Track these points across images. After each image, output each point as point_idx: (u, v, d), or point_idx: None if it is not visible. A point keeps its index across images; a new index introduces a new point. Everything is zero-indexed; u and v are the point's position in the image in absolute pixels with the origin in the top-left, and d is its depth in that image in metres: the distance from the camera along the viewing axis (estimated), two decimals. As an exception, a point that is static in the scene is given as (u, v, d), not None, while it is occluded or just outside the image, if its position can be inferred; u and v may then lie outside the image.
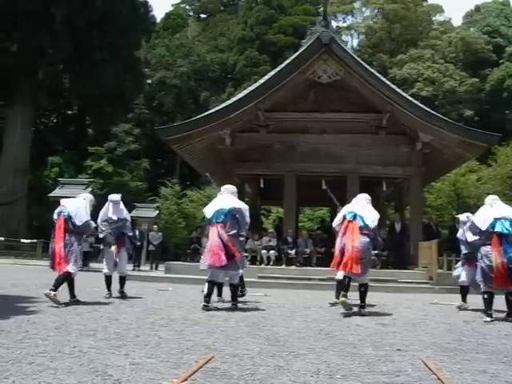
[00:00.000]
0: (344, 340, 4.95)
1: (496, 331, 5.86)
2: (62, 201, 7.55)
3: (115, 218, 8.16)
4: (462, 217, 8.22)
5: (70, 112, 40.21)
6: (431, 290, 11.52)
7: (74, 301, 7.10)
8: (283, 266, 14.38)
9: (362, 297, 7.08)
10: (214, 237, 6.86)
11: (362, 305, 7.06)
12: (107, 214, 8.17)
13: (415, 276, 12.93)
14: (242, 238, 7.16)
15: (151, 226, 20.11)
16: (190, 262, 15.53)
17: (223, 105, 16.10)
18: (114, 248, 8.08)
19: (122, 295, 8.17)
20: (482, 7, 51.03)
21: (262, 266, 14.42)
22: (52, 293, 6.75)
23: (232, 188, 7.49)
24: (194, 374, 3.38)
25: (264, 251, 14.82)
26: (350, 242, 6.81)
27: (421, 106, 15.18)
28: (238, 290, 7.45)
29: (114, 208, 8.25)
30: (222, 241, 6.80)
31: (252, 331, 5.30)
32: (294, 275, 13.02)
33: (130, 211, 22.34)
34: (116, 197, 8.33)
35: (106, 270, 8.24)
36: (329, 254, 10.87)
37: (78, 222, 7.23)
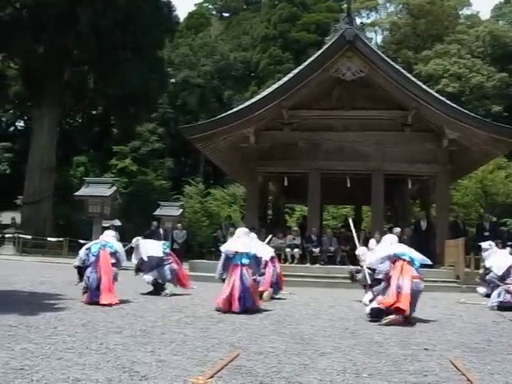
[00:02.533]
0: (370, 339, 4.91)
1: (527, 331, 5.74)
2: (104, 236, 7.92)
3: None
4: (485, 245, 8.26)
5: (94, 112, 40.80)
6: (458, 289, 11.34)
7: None
8: (307, 265, 14.32)
9: None
10: (236, 279, 6.63)
11: None
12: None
13: (441, 275, 12.74)
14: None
15: (175, 225, 20.23)
16: (215, 260, 15.57)
17: (247, 103, 16.10)
18: None
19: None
20: (512, -1, 49.86)
21: (287, 264, 14.38)
22: None
23: (248, 231, 7.70)
24: (220, 372, 3.39)
25: (288, 249, 14.78)
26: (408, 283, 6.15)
27: (447, 102, 14.94)
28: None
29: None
30: (243, 285, 6.60)
31: (277, 329, 5.29)
32: (319, 273, 12.95)
33: (154, 210, 22.64)
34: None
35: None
36: (353, 252, 10.76)
37: (122, 261, 7.76)
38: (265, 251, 7.94)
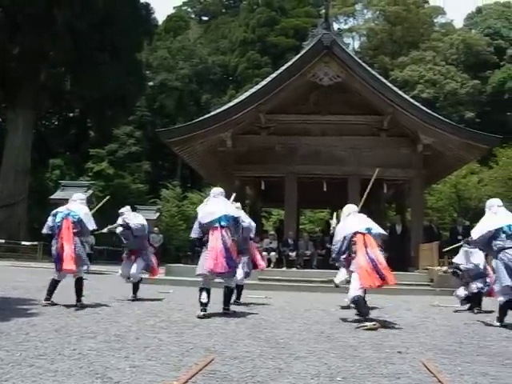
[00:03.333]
0: (344, 342, 4.94)
1: (497, 333, 5.85)
2: (68, 205, 7.57)
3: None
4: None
5: (71, 114, 40.38)
6: (432, 292, 11.50)
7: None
8: (284, 269, 14.37)
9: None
10: (217, 242, 6.51)
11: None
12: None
13: (416, 278, 12.91)
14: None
15: (152, 229, 20.04)
16: (191, 264, 15.52)
17: (224, 107, 16.13)
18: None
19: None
20: (484, 9, 51.01)
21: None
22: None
23: (223, 191, 7.27)
24: (194, 377, 3.38)
25: (265, 253, 14.80)
26: (379, 253, 6.36)
27: (422, 107, 15.19)
28: (232, 294, 7.25)
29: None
30: (225, 246, 6.51)
31: (252, 333, 5.29)
32: (295, 277, 13.00)
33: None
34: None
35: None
36: (329, 256, 10.84)
37: (91, 227, 7.50)
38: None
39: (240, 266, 7.51)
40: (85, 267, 7.38)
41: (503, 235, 6.43)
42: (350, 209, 7.13)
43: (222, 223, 6.62)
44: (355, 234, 6.49)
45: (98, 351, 4.10)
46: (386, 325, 6.17)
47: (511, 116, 41.80)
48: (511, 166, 18.48)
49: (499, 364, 4.15)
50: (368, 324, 5.88)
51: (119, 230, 8.49)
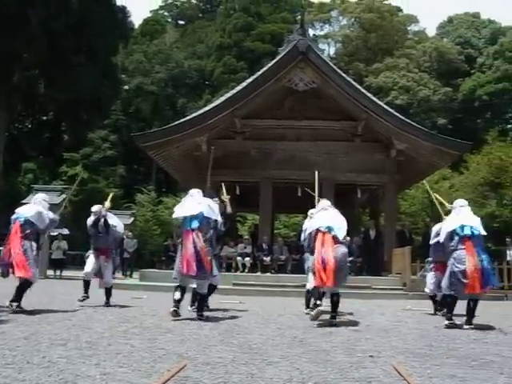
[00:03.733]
0: (317, 347, 4.97)
1: (465, 336, 5.96)
2: (18, 209, 7.46)
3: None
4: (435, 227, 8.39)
5: (45, 117, 39.74)
6: (405, 296, 11.65)
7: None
8: (258, 273, 14.39)
9: (335, 306, 6.72)
10: (188, 245, 6.60)
11: (334, 315, 6.67)
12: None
13: (389, 282, 13.06)
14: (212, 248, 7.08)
15: (126, 233, 19.91)
16: (165, 269, 15.41)
17: (200, 111, 16.11)
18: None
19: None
20: (455, 19, 52.12)
21: (237, 273, 14.42)
22: (14, 304, 6.73)
23: (199, 191, 7.34)
24: (166, 383, 3.36)
25: (239, 258, 14.83)
26: (331, 253, 6.45)
27: (396, 114, 15.42)
28: (205, 300, 7.25)
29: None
30: (195, 250, 6.56)
31: (225, 339, 5.28)
32: (269, 282, 13.03)
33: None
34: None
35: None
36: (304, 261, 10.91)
37: (42, 226, 7.29)
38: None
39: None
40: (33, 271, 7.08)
41: (456, 237, 6.61)
42: (321, 204, 7.24)
43: (193, 226, 6.67)
44: (317, 231, 6.63)
45: (68, 359, 4.04)
46: (359, 329, 6.24)
47: (481, 123, 42.74)
48: (481, 171, 18.89)
49: (467, 366, 4.23)
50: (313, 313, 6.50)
51: (90, 220, 8.45)
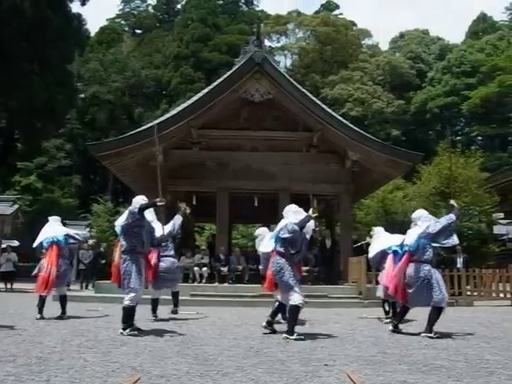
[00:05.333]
0: (273, 357, 5.00)
1: (417, 342, 6.12)
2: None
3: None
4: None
5: (-4, 125, 38.47)
6: (360, 305, 11.82)
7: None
8: (216, 284, 14.33)
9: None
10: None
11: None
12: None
13: (345, 291, 13.23)
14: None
15: (81, 244, 19.44)
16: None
17: (156, 121, 15.97)
18: None
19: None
20: (406, 34, 53.90)
21: (195, 283, 14.32)
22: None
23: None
24: (119, 397, 3.31)
25: (196, 268, 14.74)
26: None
27: (350, 125, 15.71)
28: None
29: None
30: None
31: (181, 350, 5.24)
32: (227, 292, 12.98)
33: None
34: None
35: None
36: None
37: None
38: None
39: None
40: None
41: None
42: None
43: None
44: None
45: (16, 376, 3.92)
46: (314, 338, 6.30)
47: (433, 134, 44.16)
48: (432, 182, 19.46)
49: (418, 371, 4.35)
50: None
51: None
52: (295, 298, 6.29)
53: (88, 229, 23.24)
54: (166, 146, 15.07)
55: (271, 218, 17.96)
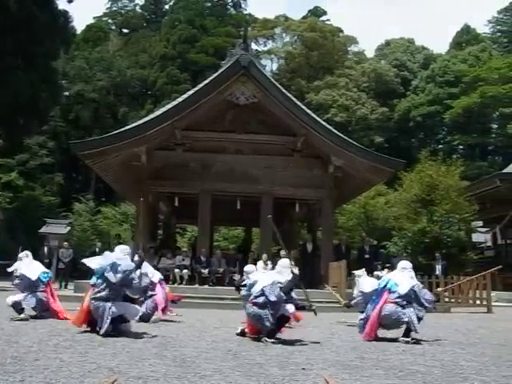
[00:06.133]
0: (251, 360, 5.01)
1: (395, 347, 6.18)
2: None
3: None
4: (358, 272, 8.98)
5: (-24, 121, 37.92)
6: (340, 309, 11.86)
7: None
8: (196, 286, 14.29)
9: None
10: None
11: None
12: None
13: (326, 295, 13.27)
14: None
15: (61, 243, 19.26)
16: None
17: (140, 121, 15.91)
18: None
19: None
20: (391, 42, 54.39)
21: (175, 285, 14.26)
22: None
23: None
24: (94, 398, 3.29)
25: (177, 270, 14.69)
26: None
27: (334, 131, 15.80)
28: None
29: None
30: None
31: (159, 352, 5.23)
32: (207, 295, 12.97)
33: (40, 227, 21.41)
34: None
35: None
36: (242, 274, 10.94)
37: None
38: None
39: None
40: None
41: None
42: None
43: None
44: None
45: (-10, 375, 3.88)
46: (292, 342, 6.32)
47: (416, 142, 44.62)
48: (414, 189, 19.68)
49: (394, 376, 4.40)
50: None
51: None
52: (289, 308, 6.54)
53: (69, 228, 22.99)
54: (149, 146, 15.05)
55: (253, 221, 18.07)
